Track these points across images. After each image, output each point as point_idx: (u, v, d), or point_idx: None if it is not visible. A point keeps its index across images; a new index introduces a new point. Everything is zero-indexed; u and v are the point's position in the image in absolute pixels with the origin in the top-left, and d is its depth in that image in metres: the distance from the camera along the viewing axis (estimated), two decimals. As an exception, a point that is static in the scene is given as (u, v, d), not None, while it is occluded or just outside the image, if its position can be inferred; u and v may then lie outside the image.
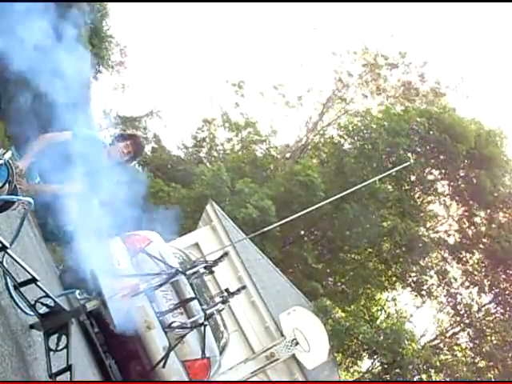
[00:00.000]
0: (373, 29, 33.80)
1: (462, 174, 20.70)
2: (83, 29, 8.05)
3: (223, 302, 5.79)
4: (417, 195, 21.40)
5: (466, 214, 21.08)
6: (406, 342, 16.64)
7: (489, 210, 20.23)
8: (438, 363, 16.97)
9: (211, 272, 6.17)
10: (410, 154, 20.17)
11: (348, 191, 10.30)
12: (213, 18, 38.10)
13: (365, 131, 20.61)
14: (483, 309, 20.28)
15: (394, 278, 21.57)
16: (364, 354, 17.80)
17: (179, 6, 31.20)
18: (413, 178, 20.72)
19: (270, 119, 25.96)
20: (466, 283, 20.61)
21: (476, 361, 19.39)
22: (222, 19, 39.59)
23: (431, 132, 19.59)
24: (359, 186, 10.95)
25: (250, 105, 25.47)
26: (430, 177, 21.27)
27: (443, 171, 20.90)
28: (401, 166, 13.74)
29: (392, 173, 15.50)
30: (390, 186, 20.50)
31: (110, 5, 10.97)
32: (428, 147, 20.22)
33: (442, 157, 20.22)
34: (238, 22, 40.68)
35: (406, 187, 20.73)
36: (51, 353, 3.18)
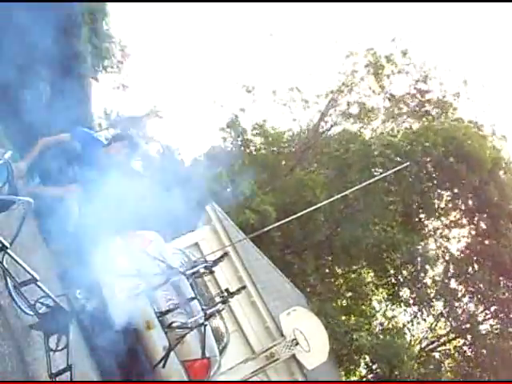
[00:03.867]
0: (374, 31, 33.69)
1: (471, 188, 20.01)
2: (83, 28, 8.06)
3: (223, 302, 5.79)
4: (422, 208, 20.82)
5: (473, 225, 20.80)
6: (406, 352, 16.57)
7: (497, 221, 19.73)
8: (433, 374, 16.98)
9: (211, 272, 6.18)
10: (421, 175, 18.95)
11: (347, 191, 10.30)
12: (214, 18, 38.08)
13: (372, 153, 18.73)
14: (481, 319, 20.19)
15: (394, 290, 21.27)
16: (361, 361, 17.72)
17: (179, 6, 31.17)
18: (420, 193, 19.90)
19: (274, 120, 25.78)
20: (469, 294, 20.39)
21: (470, 369, 19.36)
22: (223, 20, 39.55)
23: (445, 157, 18.39)
24: (358, 187, 10.92)
25: (254, 107, 25.30)
26: (440, 193, 20.65)
27: (453, 192, 20.26)
28: (400, 167, 13.70)
29: (391, 175, 15.37)
30: (393, 193, 19.87)
31: (110, 5, 10.96)
32: (441, 173, 19.23)
33: (453, 182, 19.33)
34: (241, 23, 40.63)
35: (413, 202, 20.05)
36: (51, 353, 3.18)
